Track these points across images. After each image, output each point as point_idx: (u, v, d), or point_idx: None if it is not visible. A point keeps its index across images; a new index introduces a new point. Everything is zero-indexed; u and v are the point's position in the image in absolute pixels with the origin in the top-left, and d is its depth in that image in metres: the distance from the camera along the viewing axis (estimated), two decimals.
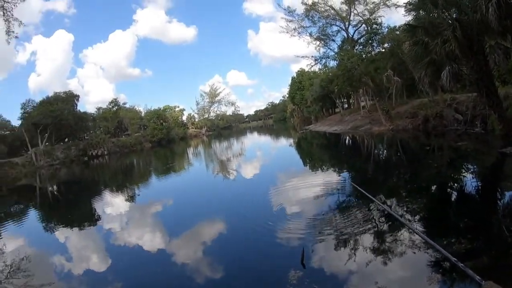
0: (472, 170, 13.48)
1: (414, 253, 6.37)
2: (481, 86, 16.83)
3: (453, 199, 10.07)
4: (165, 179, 25.75)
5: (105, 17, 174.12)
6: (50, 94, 67.53)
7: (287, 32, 54.50)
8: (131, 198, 19.02)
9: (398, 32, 37.21)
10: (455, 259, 5.21)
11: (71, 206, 19.37)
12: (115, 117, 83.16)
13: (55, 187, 31.21)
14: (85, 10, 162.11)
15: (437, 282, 5.31)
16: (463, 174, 12.82)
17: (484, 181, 11.45)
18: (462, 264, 5.05)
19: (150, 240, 10.31)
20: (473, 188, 10.47)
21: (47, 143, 59.52)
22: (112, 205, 17.24)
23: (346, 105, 65.47)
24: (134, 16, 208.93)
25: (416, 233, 6.86)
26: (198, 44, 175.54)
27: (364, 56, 44.27)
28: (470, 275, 4.77)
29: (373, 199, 9.35)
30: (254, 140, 62.23)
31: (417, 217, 8.34)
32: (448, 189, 11.14)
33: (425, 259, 5.99)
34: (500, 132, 17.45)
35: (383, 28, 48.12)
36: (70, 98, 66.33)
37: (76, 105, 68.28)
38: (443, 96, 26.50)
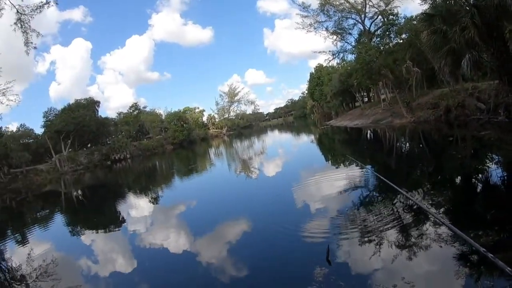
0: (496, 160, 13.11)
1: (441, 246, 6.23)
2: (502, 73, 16.50)
3: (478, 190, 9.87)
4: (187, 180, 25.97)
5: (121, 24, 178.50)
6: (71, 101, 69.81)
7: (303, 28, 54.02)
8: (154, 200, 19.31)
9: (415, 22, 36.49)
10: (484, 250, 5.07)
11: (96, 210, 19.75)
12: (136, 121, 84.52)
13: (79, 191, 31.79)
14: (101, 18, 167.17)
15: (466, 274, 5.20)
16: (488, 164, 12.47)
17: (509, 170, 11.15)
18: (492, 255, 4.90)
19: (174, 240, 10.40)
20: (499, 178, 10.16)
21: (70, 149, 60.85)
22: (136, 207, 17.50)
23: (366, 99, 64.74)
24: (150, 21, 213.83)
25: (443, 223, 6.74)
26: (215, 45, 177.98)
27: (382, 48, 43.50)
28: (501, 266, 4.64)
29: (398, 188, 9.23)
30: (274, 138, 62.19)
31: (443, 209, 8.19)
32: (473, 180, 10.90)
33: (453, 251, 5.87)
34: None
35: (399, 19, 47.15)
36: (91, 105, 68.01)
37: (97, 111, 70.43)
38: (464, 85, 25.92)
